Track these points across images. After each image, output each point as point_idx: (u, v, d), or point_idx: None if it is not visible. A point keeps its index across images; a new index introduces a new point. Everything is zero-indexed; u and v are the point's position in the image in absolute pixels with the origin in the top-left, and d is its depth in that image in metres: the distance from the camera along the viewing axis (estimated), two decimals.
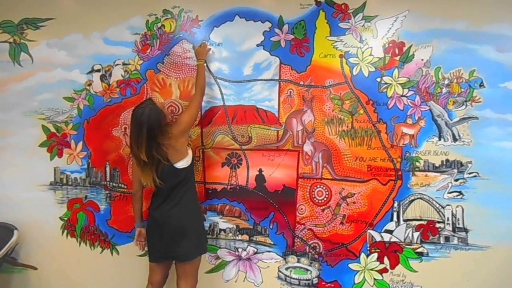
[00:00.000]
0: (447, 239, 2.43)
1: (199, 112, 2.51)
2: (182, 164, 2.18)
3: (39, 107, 2.69)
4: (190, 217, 2.26)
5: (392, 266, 2.48)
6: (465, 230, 2.41)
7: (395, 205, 2.45)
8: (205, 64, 2.46)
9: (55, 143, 2.70)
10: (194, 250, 2.26)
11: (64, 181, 2.73)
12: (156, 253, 2.28)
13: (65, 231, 2.75)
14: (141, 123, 2.06)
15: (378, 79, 2.43)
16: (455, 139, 2.39)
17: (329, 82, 2.47)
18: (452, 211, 2.41)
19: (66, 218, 2.74)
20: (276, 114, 2.52)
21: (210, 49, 2.52)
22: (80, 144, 2.69)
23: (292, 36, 2.47)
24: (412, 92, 2.41)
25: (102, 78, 2.65)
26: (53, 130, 2.70)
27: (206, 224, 2.63)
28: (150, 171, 2.11)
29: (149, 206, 2.31)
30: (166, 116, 2.19)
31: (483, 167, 2.37)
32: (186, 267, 2.26)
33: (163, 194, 2.21)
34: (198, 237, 2.30)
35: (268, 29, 2.49)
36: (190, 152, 2.25)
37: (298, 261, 2.57)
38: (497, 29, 2.33)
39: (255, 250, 2.60)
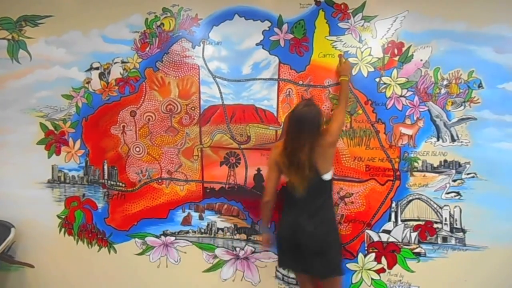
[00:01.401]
0: (444, 239, 2.43)
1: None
2: (328, 176, 2.12)
3: (37, 105, 2.69)
4: (334, 232, 2.20)
5: (390, 266, 2.48)
6: (463, 231, 2.42)
7: (393, 205, 2.45)
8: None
9: (53, 140, 2.70)
10: (339, 265, 2.18)
11: (62, 179, 2.72)
12: (290, 263, 2.23)
13: (63, 229, 2.74)
14: (304, 121, 2.01)
15: (377, 79, 2.43)
16: (453, 140, 2.39)
17: (328, 82, 2.47)
18: (450, 212, 2.41)
19: (63, 216, 2.74)
20: (275, 114, 2.52)
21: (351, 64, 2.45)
22: (78, 142, 2.68)
23: (292, 36, 2.47)
24: (411, 93, 2.41)
25: (101, 76, 2.64)
26: (51, 127, 2.70)
27: (204, 223, 2.63)
28: (300, 175, 2.03)
29: (282, 214, 2.24)
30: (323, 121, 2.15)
31: (481, 168, 2.38)
32: (333, 283, 2.20)
33: (301, 204, 2.11)
34: (340, 252, 2.26)
35: (268, 28, 2.49)
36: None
37: None
38: (496, 30, 2.33)
39: (253, 249, 2.60)
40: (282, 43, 2.48)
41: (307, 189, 2.05)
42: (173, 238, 2.65)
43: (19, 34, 2.67)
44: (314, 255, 2.08)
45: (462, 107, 2.38)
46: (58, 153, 2.71)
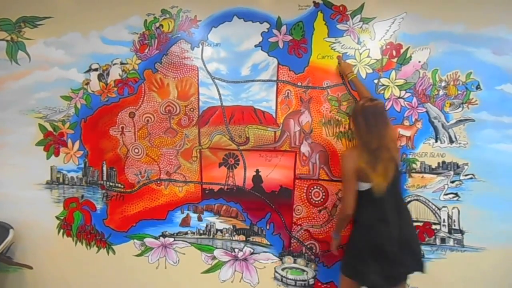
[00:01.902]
0: (443, 240, 2.44)
1: None
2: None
3: (36, 106, 2.69)
4: (414, 227, 2.17)
5: None
6: (461, 232, 2.42)
7: None
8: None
9: (52, 142, 2.70)
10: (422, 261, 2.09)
11: (61, 180, 2.72)
12: (377, 278, 1.97)
13: (61, 230, 2.74)
14: (381, 113, 2.02)
15: (376, 81, 2.44)
16: (451, 141, 2.40)
17: (327, 84, 2.47)
18: (448, 213, 2.42)
19: (62, 217, 2.73)
20: (274, 115, 2.53)
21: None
22: (77, 143, 2.68)
23: (290, 37, 2.48)
24: (409, 94, 2.42)
25: (100, 77, 2.64)
26: (50, 129, 2.70)
27: (203, 224, 2.63)
28: (386, 172, 1.94)
29: (361, 221, 2.06)
30: None
31: (479, 169, 2.38)
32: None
33: (386, 204, 1.98)
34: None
35: (266, 30, 2.49)
36: None
37: (295, 262, 2.57)
38: (494, 32, 2.34)
39: (252, 250, 2.60)
40: (281, 44, 2.49)
41: (390, 187, 1.96)
42: (172, 239, 2.65)
43: (18, 35, 2.68)
44: (407, 255, 1.99)
45: (460, 109, 2.39)
46: (57, 154, 2.71)
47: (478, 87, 2.37)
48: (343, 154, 2.16)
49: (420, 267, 2.06)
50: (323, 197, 2.51)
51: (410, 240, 2.02)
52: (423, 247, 2.44)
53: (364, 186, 2.00)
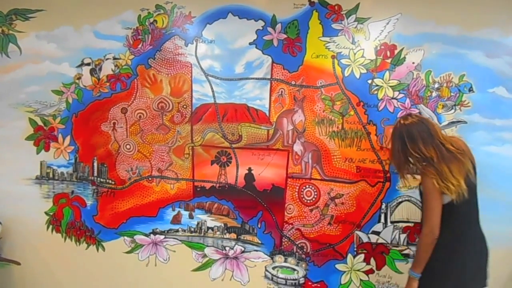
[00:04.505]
0: None
1: None
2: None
3: (26, 100, 2.65)
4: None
5: (379, 267, 2.49)
6: None
7: (383, 206, 2.46)
8: None
9: (42, 136, 2.66)
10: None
11: (51, 175, 2.69)
12: None
13: (50, 226, 2.71)
14: (429, 124, 1.92)
15: (369, 81, 2.44)
16: None
17: (321, 83, 2.47)
18: None
19: (51, 213, 2.70)
20: (267, 113, 2.52)
21: None
22: (67, 138, 2.65)
23: (285, 36, 2.47)
24: (403, 95, 2.42)
25: (92, 72, 2.61)
26: (40, 123, 2.66)
27: (194, 222, 2.61)
28: (458, 170, 1.80)
29: (445, 240, 1.83)
30: None
31: None
32: None
33: (467, 216, 1.88)
34: None
35: (261, 28, 2.48)
36: None
37: (285, 261, 2.57)
38: (488, 34, 2.35)
39: (243, 249, 2.59)
40: (275, 42, 2.48)
41: (468, 197, 1.82)
42: (162, 237, 2.63)
43: (9, 27, 2.64)
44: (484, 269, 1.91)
45: (453, 110, 2.40)
46: (47, 149, 2.67)
47: (470, 89, 2.38)
48: (426, 174, 1.85)
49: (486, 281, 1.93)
50: (315, 196, 2.51)
51: (486, 253, 1.93)
52: (413, 248, 2.45)
53: (445, 199, 1.84)
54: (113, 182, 2.64)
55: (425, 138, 1.87)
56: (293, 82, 2.49)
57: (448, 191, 1.78)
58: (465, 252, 1.85)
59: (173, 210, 2.62)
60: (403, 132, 1.93)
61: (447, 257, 1.84)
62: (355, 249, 2.50)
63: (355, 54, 2.44)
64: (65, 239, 2.71)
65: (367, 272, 2.51)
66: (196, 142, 2.57)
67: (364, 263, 2.50)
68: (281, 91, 2.50)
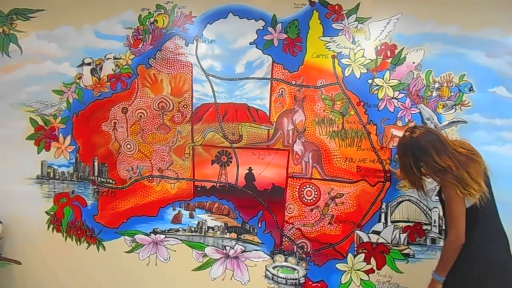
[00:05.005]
0: (433, 241, 2.45)
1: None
2: None
3: (27, 100, 2.66)
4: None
5: (379, 267, 2.49)
6: None
7: (383, 206, 2.46)
8: None
9: (43, 136, 2.67)
10: None
11: (51, 175, 2.69)
12: None
13: (51, 226, 2.71)
14: (438, 134, 1.93)
15: (370, 81, 2.44)
16: None
17: (321, 83, 2.47)
18: (439, 214, 2.43)
19: (52, 213, 2.71)
20: (267, 113, 2.52)
21: None
22: (68, 138, 2.66)
23: (285, 35, 2.47)
24: (403, 95, 2.42)
25: (93, 71, 2.62)
26: (41, 123, 2.67)
27: (194, 222, 2.62)
28: (477, 173, 1.78)
29: (472, 244, 1.80)
30: None
31: None
32: None
33: (490, 214, 1.84)
34: None
35: (262, 28, 2.49)
36: None
37: (286, 260, 2.57)
38: (487, 34, 2.36)
39: (243, 248, 2.60)
40: (275, 42, 2.49)
41: (490, 197, 1.84)
42: (163, 236, 2.64)
43: (10, 27, 2.64)
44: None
45: (453, 110, 2.40)
46: (47, 148, 2.68)
47: (471, 89, 2.38)
48: (448, 184, 1.81)
49: None
50: (316, 196, 2.51)
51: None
52: (413, 248, 2.45)
53: (468, 203, 1.82)
54: (113, 182, 2.65)
55: (438, 148, 1.84)
56: (293, 82, 2.49)
57: (471, 196, 1.77)
58: (493, 251, 1.82)
59: (174, 209, 2.62)
60: (414, 146, 1.89)
61: (473, 257, 1.82)
62: (356, 248, 2.50)
63: (355, 54, 2.44)
64: (65, 238, 2.71)
65: (368, 272, 2.51)
66: (197, 142, 2.58)
67: (365, 263, 2.50)
68: (282, 91, 2.50)
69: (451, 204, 1.81)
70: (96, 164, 2.65)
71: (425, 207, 2.44)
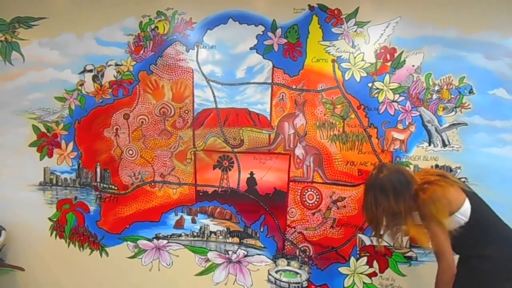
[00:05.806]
0: None
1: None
2: None
3: (29, 107, 2.67)
4: None
5: (381, 270, 2.49)
6: None
7: None
8: None
9: (46, 143, 2.68)
10: None
11: (54, 181, 2.70)
12: None
13: (54, 232, 2.72)
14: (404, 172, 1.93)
15: (370, 84, 2.45)
16: (444, 145, 2.41)
17: (321, 87, 2.48)
18: None
19: (55, 219, 2.71)
20: (268, 118, 2.53)
21: None
22: (70, 145, 2.67)
23: (285, 40, 2.49)
24: (403, 98, 2.43)
25: (94, 78, 2.63)
26: (43, 130, 2.68)
27: (197, 226, 2.62)
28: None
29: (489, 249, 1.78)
30: None
31: (472, 172, 2.40)
32: None
33: (490, 225, 1.85)
34: None
35: (261, 33, 2.50)
36: None
37: (288, 264, 2.57)
38: (487, 37, 2.37)
39: (245, 253, 2.60)
40: (275, 47, 2.50)
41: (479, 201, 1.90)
42: (165, 242, 2.64)
43: (12, 35, 2.66)
44: None
45: (453, 113, 2.41)
46: (50, 155, 2.69)
47: (471, 92, 2.39)
48: (440, 195, 1.81)
49: None
50: (317, 199, 2.52)
51: None
52: (415, 250, 2.45)
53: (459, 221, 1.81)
54: (116, 188, 2.66)
55: (398, 191, 1.84)
56: (294, 86, 2.50)
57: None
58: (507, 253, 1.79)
59: (176, 214, 2.63)
60: (376, 186, 1.90)
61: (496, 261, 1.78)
62: (358, 252, 2.51)
63: (355, 57, 2.45)
64: (68, 244, 2.72)
65: (370, 275, 2.50)
66: (198, 147, 2.59)
67: (367, 266, 2.50)
68: (282, 95, 2.52)
69: (433, 237, 1.81)
70: (98, 170, 2.66)
71: None
